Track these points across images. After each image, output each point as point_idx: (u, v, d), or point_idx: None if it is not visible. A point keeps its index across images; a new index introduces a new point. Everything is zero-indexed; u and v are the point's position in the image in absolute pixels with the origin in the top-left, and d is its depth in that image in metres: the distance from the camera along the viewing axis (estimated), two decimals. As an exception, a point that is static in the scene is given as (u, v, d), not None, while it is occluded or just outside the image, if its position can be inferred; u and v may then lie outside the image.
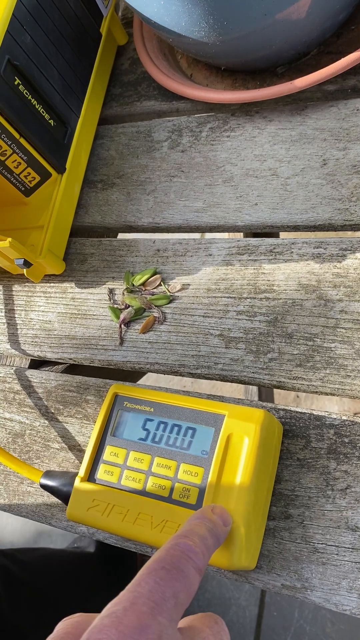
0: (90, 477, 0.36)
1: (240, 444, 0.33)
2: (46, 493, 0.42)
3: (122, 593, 0.22)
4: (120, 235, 0.57)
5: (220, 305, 0.42)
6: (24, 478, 0.43)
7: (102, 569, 0.90)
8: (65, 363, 0.48)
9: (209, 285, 0.43)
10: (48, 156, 0.46)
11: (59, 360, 0.47)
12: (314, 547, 0.33)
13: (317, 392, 0.37)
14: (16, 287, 0.51)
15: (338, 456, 0.34)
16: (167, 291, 0.44)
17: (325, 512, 0.34)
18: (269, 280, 0.41)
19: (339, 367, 0.37)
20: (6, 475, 0.44)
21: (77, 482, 0.36)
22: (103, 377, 0.45)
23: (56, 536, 1.23)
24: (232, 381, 0.40)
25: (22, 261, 0.43)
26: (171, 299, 0.43)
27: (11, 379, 0.47)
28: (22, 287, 0.50)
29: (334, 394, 0.36)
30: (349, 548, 0.32)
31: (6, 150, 0.43)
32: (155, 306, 0.44)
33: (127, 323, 0.44)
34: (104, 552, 0.92)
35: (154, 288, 0.44)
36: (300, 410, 0.37)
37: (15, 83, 0.42)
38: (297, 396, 1.08)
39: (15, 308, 0.50)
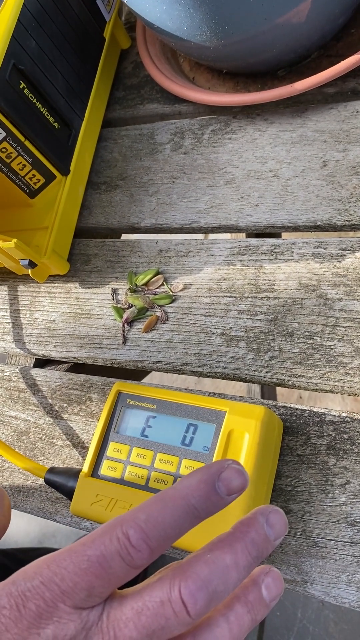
0: (93, 472, 0.36)
1: (241, 440, 0.33)
2: (51, 489, 0.42)
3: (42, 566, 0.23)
4: (124, 236, 0.58)
5: (222, 304, 0.42)
6: (28, 475, 0.44)
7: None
8: (70, 362, 0.49)
9: (211, 285, 0.43)
10: (52, 158, 0.46)
11: (63, 359, 0.48)
12: (313, 541, 0.34)
13: (317, 389, 0.37)
14: (21, 288, 0.51)
15: (337, 452, 0.35)
16: (169, 291, 0.44)
17: (325, 507, 0.34)
18: (269, 280, 0.42)
19: (339, 364, 0.37)
20: (11, 472, 0.45)
21: (81, 478, 0.36)
22: (106, 375, 0.46)
23: (61, 537, 1.23)
24: (233, 379, 0.40)
25: (27, 262, 0.44)
26: (173, 299, 0.44)
27: (16, 377, 0.48)
28: (27, 287, 0.51)
29: (333, 391, 0.37)
30: (348, 542, 0.33)
31: (11, 153, 0.43)
32: (158, 306, 0.44)
33: (130, 322, 0.45)
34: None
35: (157, 288, 0.45)
36: (300, 407, 0.37)
37: (21, 87, 0.43)
38: (300, 397, 1.08)
39: (20, 308, 0.51)
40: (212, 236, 0.47)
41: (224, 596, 0.22)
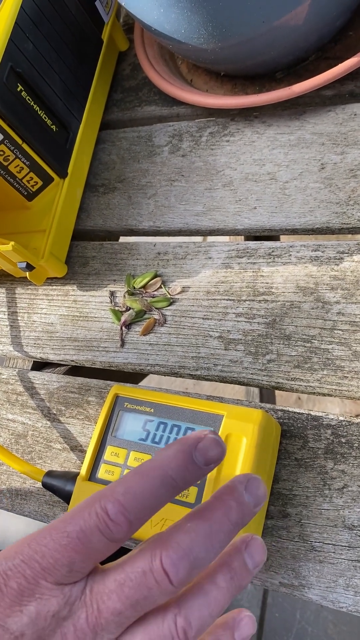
0: (91, 476, 0.36)
1: (239, 443, 0.33)
2: (48, 492, 0.42)
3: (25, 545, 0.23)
4: (122, 239, 0.57)
5: (220, 307, 0.42)
6: (26, 478, 0.44)
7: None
8: (67, 365, 0.48)
9: (209, 288, 0.43)
10: (50, 161, 0.46)
11: (61, 362, 0.47)
12: (311, 545, 0.34)
13: (314, 392, 0.37)
14: (19, 290, 0.51)
15: (335, 456, 0.35)
16: (167, 294, 0.44)
17: (323, 511, 0.34)
18: (267, 283, 0.41)
19: (336, 368, 0.37)
20: (9, 475, 0.45)
21: (79, 482, 0.36)
22: (104, 378, 0.46)
23: (59, 538, 1.23)
24: (231, 382, 0.40)
25: (24, 264, 0.44)
26: (171, 302, 0.44)
27: (14, 380, 0.48)
28: (24, 289, 0.51)
29: (331, 395, 0.37)
30: (345, 546, 0.33)
31: (9, 156, 0.43)
32: (156, 308, 0.44)
33: (128, 325, 0.45)
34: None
35: (155, 290, 0.45)
36: (298, 411, 0.37)
37: (18, 90, 0.43)
38: (299, 398, 1.08)
39: (18, 310, 0.50)
40: (210, 239, 0.47)
41: (206, 564, 0.23)
